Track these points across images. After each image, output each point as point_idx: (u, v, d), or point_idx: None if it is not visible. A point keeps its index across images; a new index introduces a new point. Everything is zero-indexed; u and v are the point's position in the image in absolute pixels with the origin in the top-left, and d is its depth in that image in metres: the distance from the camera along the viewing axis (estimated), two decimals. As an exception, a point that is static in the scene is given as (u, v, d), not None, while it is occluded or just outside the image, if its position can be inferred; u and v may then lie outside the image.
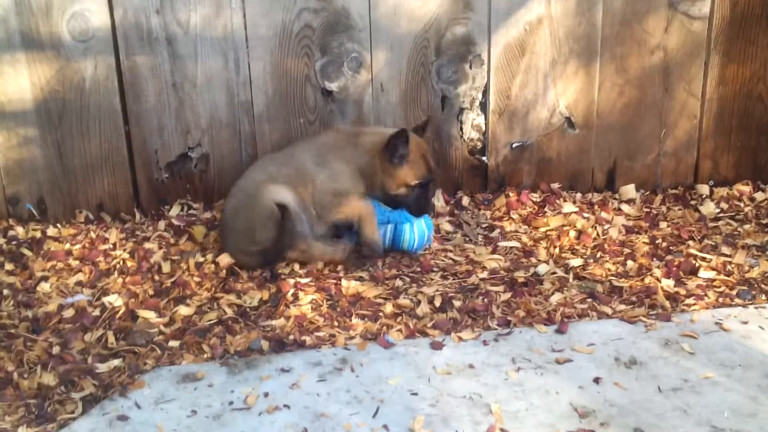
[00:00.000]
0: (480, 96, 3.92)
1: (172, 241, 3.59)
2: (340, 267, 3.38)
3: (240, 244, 3.38)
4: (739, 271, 3.32)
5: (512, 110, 3.96)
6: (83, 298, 3.15)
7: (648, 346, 2.83)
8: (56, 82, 3.60)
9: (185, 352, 2.83)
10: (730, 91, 4.04)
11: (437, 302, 3.11)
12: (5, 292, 3.20)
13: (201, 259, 3.42)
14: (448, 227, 3.75)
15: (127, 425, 2.45)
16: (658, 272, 3.30)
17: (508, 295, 3.16)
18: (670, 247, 3.54)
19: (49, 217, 3.74)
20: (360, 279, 3.30)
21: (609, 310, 3.06)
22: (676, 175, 4.14)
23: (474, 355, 2.79)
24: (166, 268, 3.37)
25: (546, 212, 3.88)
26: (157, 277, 3.31)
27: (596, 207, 3.92)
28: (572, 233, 3.65)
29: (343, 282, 3.25)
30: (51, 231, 3.63)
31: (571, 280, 3.28)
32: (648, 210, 3.92)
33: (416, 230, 3.47)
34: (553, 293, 3.18)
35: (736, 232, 3.67)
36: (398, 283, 3.27)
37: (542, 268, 3.34)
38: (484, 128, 3.97)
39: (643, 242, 3.58)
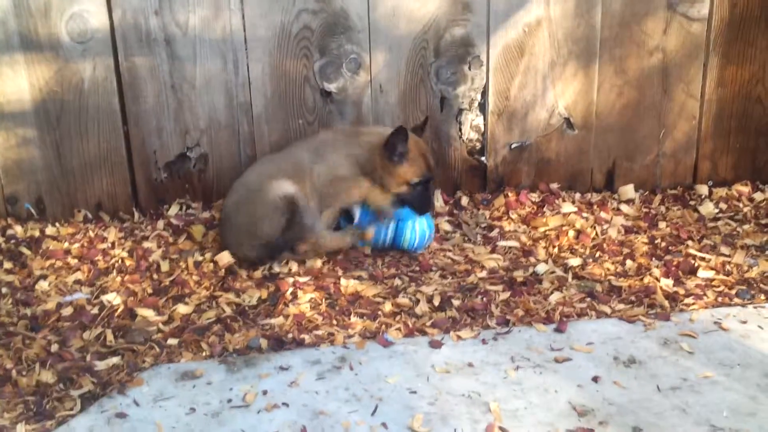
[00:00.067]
0: (479, 97, 3.93)
1: (170, 240, 3.59)
2: (339, 266, 3.38)
3: (242, 238, 3.38)
4: (738, 270, 3.32)
5: (511, 111, 3.96)
6: (82, 297, 3.15)
7: (647, 345, 2.82)
8: (55, 83, 3.61)
9: (184, 350, 2.83)
10: (728, 93, 4.05)
11: (436, 301, 3.12)
12: (4, 290, 3.20)
13: (200, 258, 3.42)
14: (447, 227, 3.76)
15: (125, 423, 2.45)
16: (657, 272, 3.30)
17: (507, 294, 3.16)
18: (669, 247, 3.54)
19: (48, 216, 3.74)
20: (359, 278, 3.30)
21: (608, 310, 3.06)
22: (675, 176, 4.15)
23: (473, 353, 2.79)
24: (164, 266, 3.37)
25: (545, 212, 3.88)
26: (155, 276, 3.32)
27: (595, 207, 3.93)
28: (571, 233, 3.66)
29: (342, 281, 3.25)
30: (50, 230, 3.63)
31: (570, 279, 3.28)
32: (647, 210, 3.93)
33: (417, 229, 3.48)
34: (552, 292, 3.18)
35: (735, 232, 3.68)
36: (397, 282, 3.27)
37: (541, 268, 3.34)
38: (483, 129, 3.98)
39: (642, 242, 3.58)
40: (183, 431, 2.41)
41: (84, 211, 3.76)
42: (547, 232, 3.69)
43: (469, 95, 3.92)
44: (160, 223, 3.70)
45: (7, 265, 3.38)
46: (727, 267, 3.34)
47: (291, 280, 3.25)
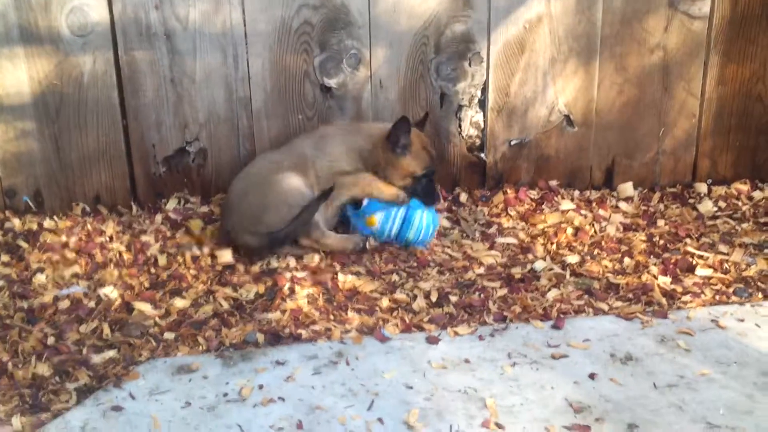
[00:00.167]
0: (479, 93, 3.92)
1: (168, 234, 3.58)
2: (336, 261, 3.38)
3: (246, 224, 3.37)
4: (735, 269, 3.32)
5: (511, 108, 3.96)
6: (79, 290, 3.14)
7: (644, 342, 2.82)
8: (54, 76, 3.60)
9: (180, 344, 2.83)
10: (729, 91, 4.04)
11: (433, 297, 3.11)
12: (1, 283, 3.19)
13: (197, 253, 3.41)
14: (445, 223, 3.75)
15: (121, 416, 2.45)
16: (654, 269, 3.30)
17: (504, 290, 3.16)
18: (668, 245, 3.54)
19: (46, 209, 3.73)
20: (356, 273, 3.29)
21: (605, 307, 3.06)
22: (675, 174, 4.14)
23: (470, 349, 2.78)
24: (162, 260, 3.37)
25: (544, 209, 3.87)
26: (153, 270, 3.31)
27: (594, 204, 3.92)
28: (569, 230, 3.65)
29: (340, 276, 3.25)
30: (47, 223, 3.62)
31: (567, 276, 3.28)
32: (646, 208, 3.92)
33: (425, 219, 3.48)
34: (549, 289, 3.17)
35: (733, 231, 3.67)
36: (395, 277, 3.27)
37: (539, 265, 3.34)
38: (482, 125, 3.97)
39: (641, 240, 3.58)
40: (179, 425, 2.41)
41: (82, 205, 3.76)
42: (546, 229, 3.68)
43: (469, 91, 3.91)
44: (158, 217, 3.70)
45: (5, 257, 3.37)
46: (725, 265, 3.34)
47: (288, 275, 3.25)
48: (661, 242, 3.56)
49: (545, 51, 3.90)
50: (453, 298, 3.10)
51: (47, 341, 2.81)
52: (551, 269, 3.32)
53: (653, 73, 3.97)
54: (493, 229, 3.70)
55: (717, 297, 3.13)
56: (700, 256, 3.41)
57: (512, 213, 3.85)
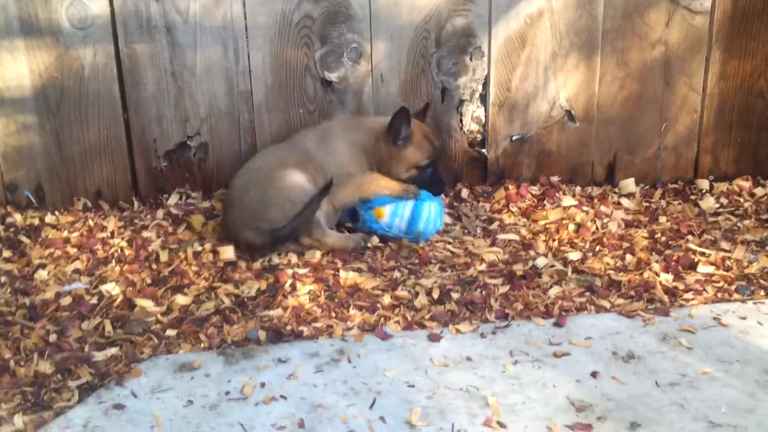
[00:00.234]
0: (480, 88, 3.91)
1: (170, 230, 3.58)
2: (338, 258, 3.37)
3: (248, 221, 3.36)
4: (738, 266, 3.32)
5: (512, 103, 3.95)
6: (81, 286, 3.14)
7: (646, 340, 2.82)
8: (55, 69, 3.59)
9: (182, 341, 2.82)
10: (730, 86, 4.04)
11: (435, 294, 3.11)
12: (2, 279, 3.19)
13: (199, 249, 3.41)
14: (447, 219, 3.74)
15: (123, 414, 2.45)
16: (656, 266, 3.30)
17: (506, 287, 3.15)
18: (669, 242, 3.54)
19: (47, 204, 3.73)
20: (358, 270, 3.29)
21: (607, 304, 3.06)
22: (676, 170, 4.14)
23: (471, 347, 2.78)
24: (164, 257, 3.36)
25: (545, 205, 3.87)
26: (154, 266, 3.31)
27: (596, 200, 3.92)
28: (571, 227, 3.65)
29: (341, 273, 3.25)
30: (49, 218, 3.62)
31: (569, 273, 3.27)
32: (647, 204, 3.92)
33: (434, 211, 3.49)
34: (551, 286, 3.17)
35: (735, 228, 3.67)
36: (396, 274, 3.26)
37: (541, 262, 3.34)
38: (484, 120, 3.96)
39: (642, 236, 3.57)
40: (180, 423, 2.41)
41: (83, 200, 3.75)
42: (547, 226, 3.68)
43: (471, 86, 3.90)
44: (160, 213, 3.69)
45: (6, 253, 3.37)
46: (727, 262, 3.34)
47: (290, 271, 3.24)
48: (663, 239, 3.56)
49: (546, 45, 3.88)
50: (455, 295, 3.09)
51: (49, 338, 2.81)
52: (553, 266, 3.32)
53: (655, 68, 3.97)
54: (494, 226, 3.70)
55: (719, 294, 3.13)
56: (702, 253, 3.41)
57: (514, 209, 3.84)
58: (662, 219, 3.75)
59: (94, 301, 3.06)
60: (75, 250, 3.41)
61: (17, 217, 3.61)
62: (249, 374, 2.63)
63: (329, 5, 3.68)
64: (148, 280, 3.21)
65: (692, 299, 3.09)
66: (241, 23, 3.66)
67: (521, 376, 2.62)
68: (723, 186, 4.05)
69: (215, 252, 3.38)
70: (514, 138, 4.00)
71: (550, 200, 3.91)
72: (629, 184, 4.05)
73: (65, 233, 3.51)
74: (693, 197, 3.99)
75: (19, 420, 2.39)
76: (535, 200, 3.92)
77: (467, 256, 3.42)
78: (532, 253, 3.45)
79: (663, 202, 3.94)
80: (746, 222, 3.71)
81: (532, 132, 4.01)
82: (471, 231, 3.65)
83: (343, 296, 3.10)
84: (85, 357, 2.70)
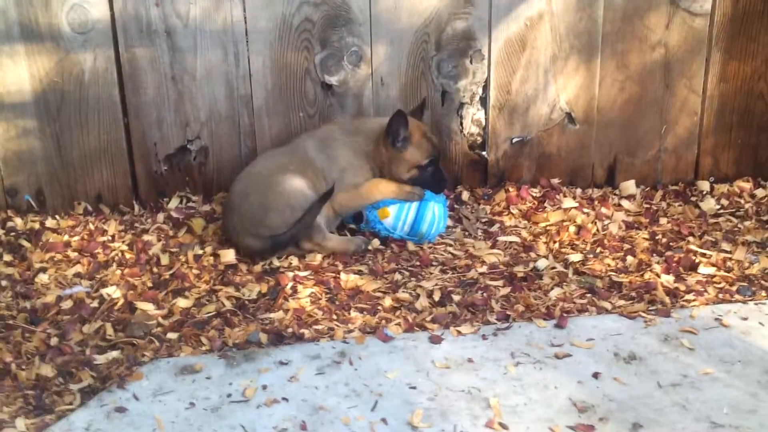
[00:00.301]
0: (480, 91, 3.91)
1: (170, 233, 3.58)
2: (339, 261, 3.37)
3: (247, 227, 3.36)
4: (739, 267, 3.31)
5: (512, 105, 3.95)
6: (82, 290, 3.14)
7: (647, 341, 2.82)
8: (55, 73, 3.59)
9: (183, 344, 2.82)
10: (731, 88, 4.04)
11: (436, 296, 3.11)
12: (3, 283, 3.19)
13: (200, 252, 3.41)
14: (448, 222, 3.74)
15: (125, 417, 2.45)
16: (657, 268, 3.30)
17: (507, 289, 3.15)
18: (670, 243, 3.54)
19: (48, 208, 3.73)
20: (359, 272, 3.29)
21: (608, 306, 3.06)
22: (677, 172, 4.14)
23: (473, 349, 2.78)
24: (164, 260, 3.36)
25: (546, 207, 3.87)
26: (155, 269, 3.31)
27: (596, 202, 3.92)
28: (572, 228, 3.65)
29: (342, 275, 3.25)
30: (50, 222, 3.62)
31: (570, 275, 3.27)
32: (648, 206, 3.92)
33: (437, 211, 3.50)
34: (552, 288, 3.17)
35: (736, 229, 3.67)
36: (397, 276, 3.26)
37: (542, 263, 3.34)
38: (484, 123, 3.97)
39: (643, 238, 3.57)
40: (182, 426, 2.41)
41: (84, 204, 3.75)
42: (548, 228, 3.68)
43: (471, 89, 3.90)
44: (160, 216, 3.69)
45: (7, 257, 3.37)
46: (728, 263, 3.34)
47: (291, 274, 3.25)
48: (664, 240, 3.56)
49: (546, 48, 3.89)
50: (456, 297, 3.09)
51: (50, 342, 2.81)
52: (554, 268, 3.32)
53: (655, 70, 3.97)
54: (495, 228, 3.70)
55: (720, 295, 3.13)
56: (703, 255, 3.41)
57: (514, 211, 3.84)
58: (663, 220, 3.75)
59: (95, 304, 3.05)
60: (76, 253, 3.42)
61: (18, 222, 3.61)
62: (250, 377, 2.63)
63: (329, 9, 3.69)
64: (149, 284, 3.20)
65: (693, 300, 3.09)
66: (242, 27, 3.67)
67: (523, 378, 2.62)
68: (723, 187, 4.04)
69: (216, 255, 3.38)
70: (514, 140, 4.00)
71: (551, 202, 3.90)
72: (630, 186, 4.05)
73: (66, 237, 3.51)
74: (693, 199, 3.98)
75: (21, 423, 2.39)
76: (536, 202, 3.92)
77: (468, 258, 3.42)
78: (533, 254, 3.45)
79: (663, 204, 3.94)
80: (747, 223, 3.71)
81: (533, 134, 4.01)
82: (472, 233, 3.65)
83: (344, 298, 3.11)
84: (87, 360, 2.70)
